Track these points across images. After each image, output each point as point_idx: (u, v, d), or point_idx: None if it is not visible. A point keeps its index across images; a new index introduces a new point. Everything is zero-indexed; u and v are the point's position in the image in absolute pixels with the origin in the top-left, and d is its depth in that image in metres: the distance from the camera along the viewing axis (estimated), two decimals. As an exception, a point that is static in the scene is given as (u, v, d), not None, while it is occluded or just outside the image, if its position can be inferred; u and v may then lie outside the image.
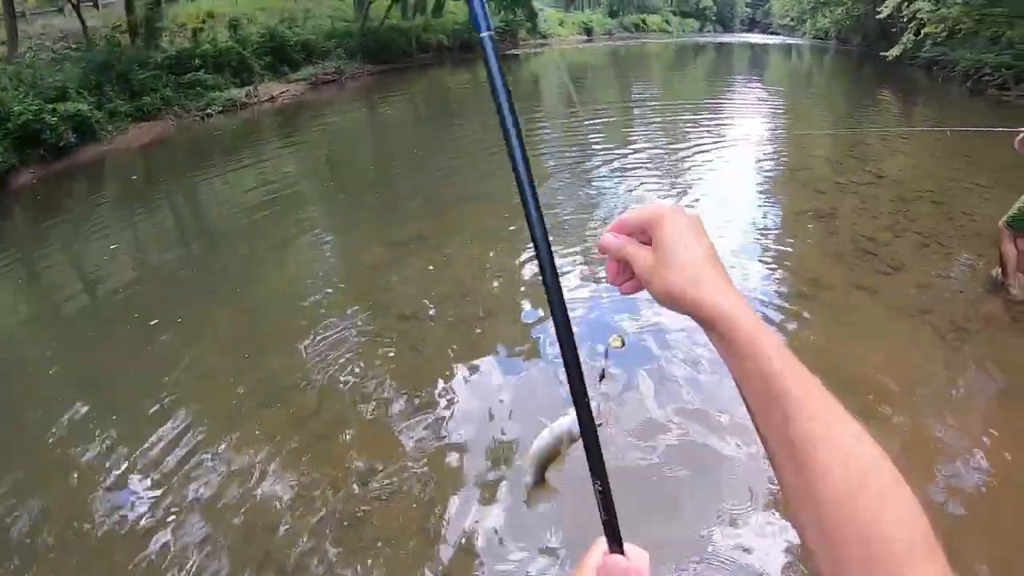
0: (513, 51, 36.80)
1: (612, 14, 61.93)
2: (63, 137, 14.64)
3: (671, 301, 0.63)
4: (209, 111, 19.57)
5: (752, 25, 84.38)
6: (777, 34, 65.30)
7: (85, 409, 4.79)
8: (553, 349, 4.78)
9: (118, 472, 4.07)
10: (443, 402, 4.48)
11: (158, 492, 3.85)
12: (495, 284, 6.27)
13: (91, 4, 22.12)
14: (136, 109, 17.91)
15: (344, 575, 3.26)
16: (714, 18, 78.73)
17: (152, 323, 6.07)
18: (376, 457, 3.97)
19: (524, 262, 6.58)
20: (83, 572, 3.39)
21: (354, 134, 18.13)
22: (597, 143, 12.70)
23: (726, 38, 61.83)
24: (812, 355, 4.68)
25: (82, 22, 20.19)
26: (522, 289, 6.09)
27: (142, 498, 3.82)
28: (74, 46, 20.15)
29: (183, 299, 6.68)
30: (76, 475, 4.10)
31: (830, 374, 4.69)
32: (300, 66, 24.09)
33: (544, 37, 44.37)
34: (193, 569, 3.30)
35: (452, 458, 3.97)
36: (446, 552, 3.34)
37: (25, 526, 3.68)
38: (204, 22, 23.57)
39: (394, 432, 4.21)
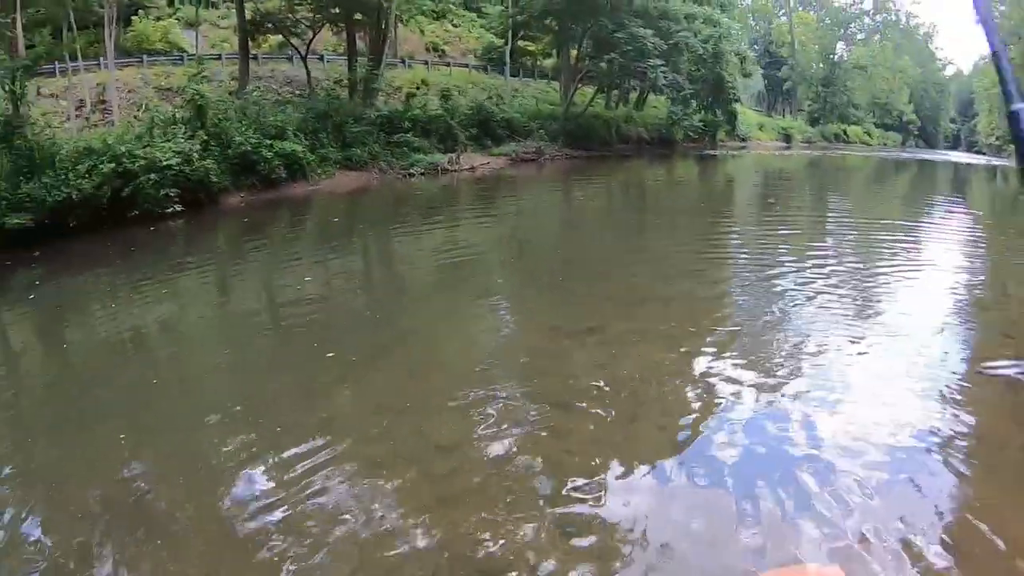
0: (711, 151, 35.73)
1: (813, 122, 59.56)
2: (275, 171, 15.03)
3: None
4: (412, 171, 19.60)
5: (956, 142, 79.16)
6: (983, 153, 58.96)
7: (242, 417, 5.11)
8: (697, 472, 4.45)
9: (256, 477, 4.22)
10: (578, 500, 4.18)
11: (285, 506, 3.90)
12: (656, 390, 5.91)
13: (317, 57, 23.69)
14: (345, 158, 18.09)
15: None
16: (917, 132, 73.49)
17: (328, 355, 6.26)
18: (498, 536, 3.79)
19: (689, 371, 6.18)
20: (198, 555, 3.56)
21: (545, 214, 17.01)
22: (784, 255, 11.34)
23: (928, 155, 55.69)
24: (986, 523, 3.99)
25: (307, 72, 21.32)
26: (683, 403, 5.66)
27: (269, 510, 3.87)
28: (297, 92, 21.26)
29: (359, 339, 6.91)
30: (221, 468, 4.37)
31: (1000, 550, 3.70)
32: (503, 141, 23.97)
33: (743, 140, 43.05)
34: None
35: (571, 559, 3.64)
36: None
37: (162, 506, 4.01)
38: (418, 88, 24.27)
39: (523, 516, 3.98)
